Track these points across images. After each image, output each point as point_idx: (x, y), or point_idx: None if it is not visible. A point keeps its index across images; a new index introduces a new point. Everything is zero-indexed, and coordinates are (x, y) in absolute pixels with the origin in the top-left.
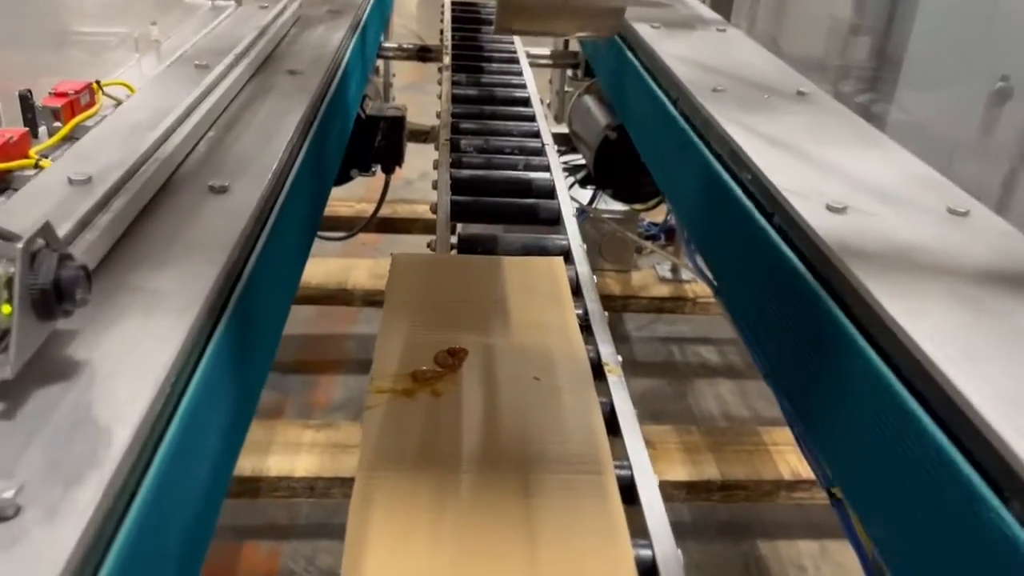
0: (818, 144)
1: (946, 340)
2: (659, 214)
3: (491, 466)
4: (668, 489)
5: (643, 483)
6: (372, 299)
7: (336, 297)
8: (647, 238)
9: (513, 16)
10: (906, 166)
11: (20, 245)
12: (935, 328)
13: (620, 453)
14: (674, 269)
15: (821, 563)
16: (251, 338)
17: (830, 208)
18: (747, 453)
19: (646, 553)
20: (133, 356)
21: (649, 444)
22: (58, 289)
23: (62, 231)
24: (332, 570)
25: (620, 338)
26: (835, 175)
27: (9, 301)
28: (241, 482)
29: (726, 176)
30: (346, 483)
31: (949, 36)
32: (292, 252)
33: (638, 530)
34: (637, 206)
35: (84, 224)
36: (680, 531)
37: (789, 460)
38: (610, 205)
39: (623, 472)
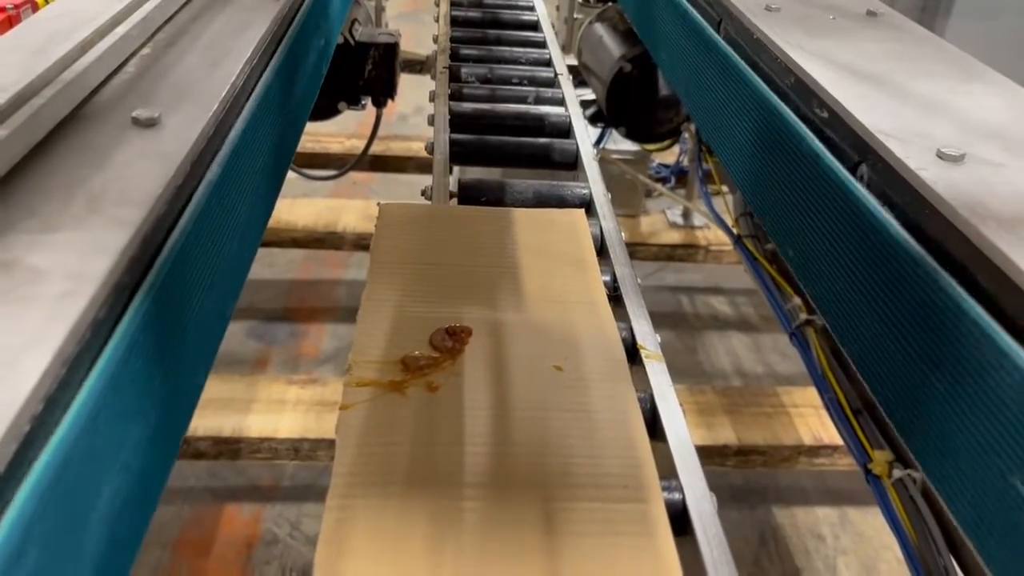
0: (908, 76)
1: None
2: (670, 155)
3: (503, 490)
4: None
5: (697, 511)
6: (364, 243)
7: (325, 240)
8: (657, 180)
9: None
10: (1021, 102)
11: None
12: None
13: (667, 469)
14: (685, 214)
15: (841, 532)
16: (181, 331)
17: (943, 156)
18: (765, 416)
19: None
20: None
21: None
22: None
23: None
24: (318, 536)
25: None
26: (940, 115)
27: None
28: (220, 442)
29: (791, 115)
30: (333, 445)
31: None
32: (249, 205)
33: (694, 573)
34: (649, 146)
35: None
36: None
37: (810, 423)
38: (619, 144)
39: (672, 496)
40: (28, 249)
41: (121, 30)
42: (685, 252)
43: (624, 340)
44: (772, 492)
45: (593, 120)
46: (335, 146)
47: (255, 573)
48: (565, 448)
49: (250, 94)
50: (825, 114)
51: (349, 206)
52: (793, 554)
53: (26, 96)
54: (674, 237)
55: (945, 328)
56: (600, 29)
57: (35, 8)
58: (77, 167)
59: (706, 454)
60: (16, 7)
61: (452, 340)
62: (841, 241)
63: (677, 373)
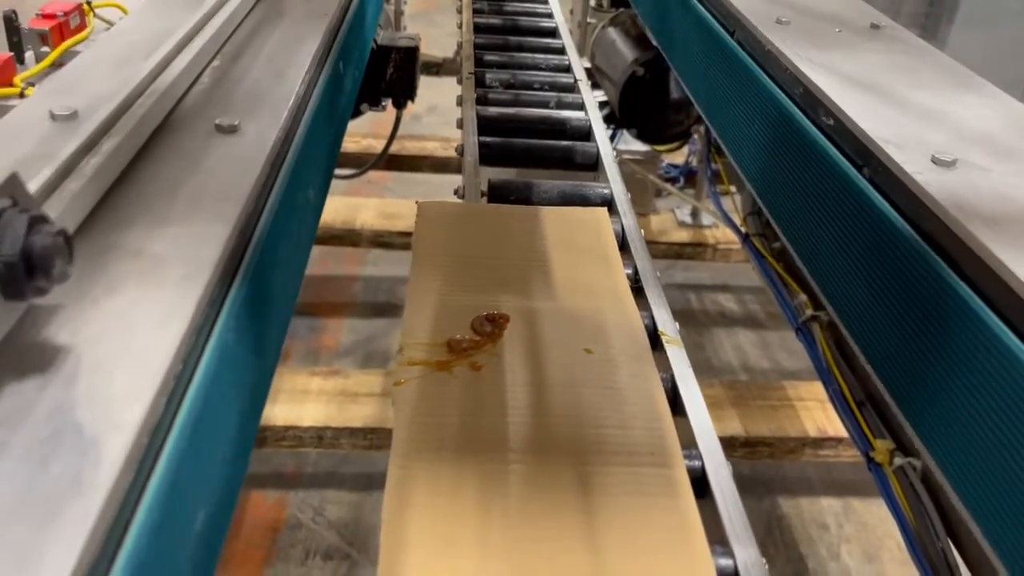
0: (907, 86)
1: None
2: (680, 156)
3: (542, 456)
4: None
5: (715, 476)
6: (380, 240)
7: (343, 237)
8: (667, 180)
9: None
10: (1013, 113)
11: None
12: None
13: (686, 439)
14: (694, 213)
15: (844, 521)
16: (268, 305)
17: (937, 162)
18: (771, 408)
19: (726, 563)
20: (130, 340)
21: None
22: (28, 261)
23: (40, 179)
24: (341, 521)
25: None
26: (935, 123)
27: None
28: None
29: (803, 120)
30: (355, 433)
31: None
32: (311, 199)
33: (715, 532)
34: (659, 147)
35: (68, 170)
36: None
37: (815, 416)
38: (630, 145)
39: (692, 463)
40: (149, 240)
41: (196, 44)
42: (694, 250)
43: (646, 327)
44: (778, 483)
45: (605, 121)
46: (351, 145)
47: (280, 556)
48: (597, 420)
49: (308, 101)
50: (831, 121)
51: (366, 204)
52: (798, 542)
53: (127, 105)
54: (683, 236)
55: (939, 312)
56: (613, 33)
57: (82, 16)
58: (175, 169)
59: None
60: (65, 14)
61: (492, 325)
62: (848, 236)
63: None
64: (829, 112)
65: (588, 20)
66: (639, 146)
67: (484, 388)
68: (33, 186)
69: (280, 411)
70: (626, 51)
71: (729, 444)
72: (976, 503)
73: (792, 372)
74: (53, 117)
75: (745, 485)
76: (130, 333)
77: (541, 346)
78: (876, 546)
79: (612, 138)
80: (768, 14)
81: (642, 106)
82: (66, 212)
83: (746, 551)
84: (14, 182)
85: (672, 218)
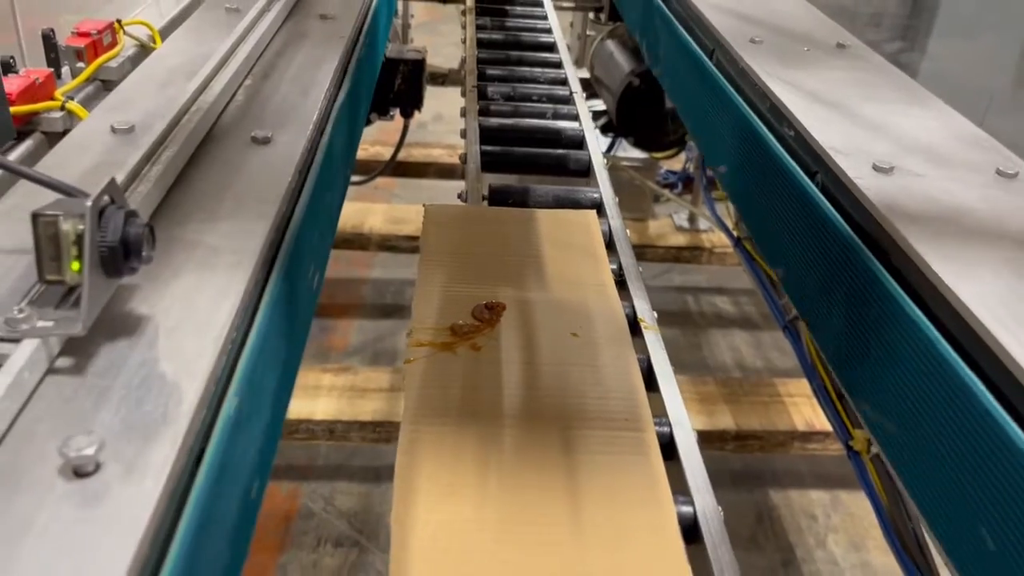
0: (862, 100)
1: (996, 304)
2: (677, 162)
3: (532, 421)
4: None
5: (682, 440)
6: (387, 244)
7: (352, 241)
8: (665, 186)
9: None
10: (953, 125)
11: (89, 203)
12: (986, 292)
13: (658, 410)
14: (691, 218)
15: (832, 512)
16: (299, 287)
17: (877, 168)
18: (762, 404)
19: (687, 510)
20: (194, 312)
21: None
22: (126, 246)
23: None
24: (351, 510)
25: None
26: (881, 133)
27: (78, 258)
28: None
29: (767, 132)
30: (364, 427)
31: None
32: (332, 201)
33: (679, 487)
34: (657, 154)
35: (135, 175)
36: None
37: (803, 411)
38: (629, 152)
39: (662, 429)
40: (203, 233)
41: (231, 66)
42: (691, 254)
43: (627, 315)
44: (769, 476)
45: (604, 130)
46: (360, 153)
47: (293, 543)
48: (579, 392)
49: (329, 114)
50: (792, 133)
51: (374, 209)
52: (787, 531)
53: (177, 120)
54: (680, 240)
55: (872, 300)
56: (611, 45)
57: (114, 34)
58: (221, 175)
59: (707, 439)
60: (99, 32)
61: (490, 312)
62: (802, 235)
63: (682, 366)
64: (790, 124)
65: (588, 32)
66: (638, 153)
67: (483, 365)
68: (100, 184)
69: (293, 405)
70: (623, 62)
71: (721, 438)
72: (907, 477)
73: (784, 370)
74: (114, 131)
75: (737, 479)
76: (194, 307)
77: (533, 330)
78: (862, 535)
79: (611, 146)
80: (744, 34)
81: (638, 115)
82: (137, 210)
83: (704, 500)
84: (112, 185)
85: (670, 222)
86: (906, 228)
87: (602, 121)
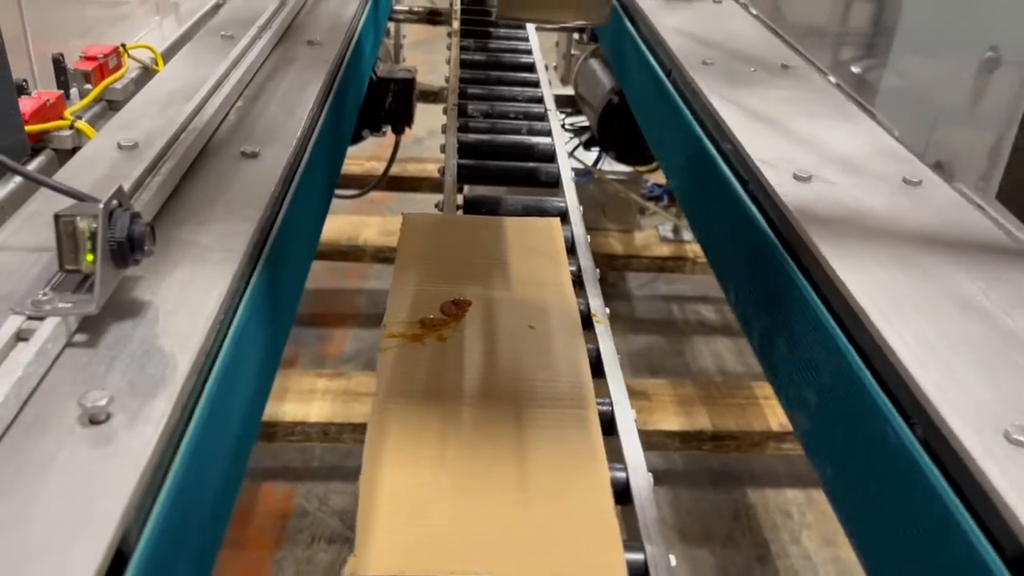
0: (794, 117)
1: (877, 292)
2: (661, 175)
3: (489, 401)
4: (662, 438)
5: (621, 418)
6: (382, 255)
7: (348, 253)
8: (650, 199)
9: (514, 6)
10: (873, 138)
11: (101, 205)
12: (871, 282)
13: (603, 392)
14: (675, 229)
15: (807, 510)
16: (281, 283)
17: (796, 177)
18: (739, 406)
19: (621, 475)
20: (187, 298)
21: (645, 396)
22: (131, 242)
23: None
24: (344, 509)
25: (622, 296)
26: (806, 146)
27: (92, 251)
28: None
29: (710, 146)
30: (357, 429)
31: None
32: (314, 209)
33: (616, 457)
34: (640, 168)
35: (138, 185)
36: (673, 479)
37: (778, 412)
38: (615, 166)
39: (605, 408)
40: (197, 234)
41: (224, 89)
42: (675, 264)
43: (581, 311)
44: (747, 476)
45: (588, 145)
46: (355, 168)
47: (289, 540)
48: (532, 376)
49: (313, 131)
50: (730, 147)
51: (369, 222)
52: (763, 528)
53: (175, 138)
54: (665, 250)
55: (784, 285)
56: (594, 64)
57: (119, 57)
58: (213, 185)
59: (684, 439)
60: (104, 56)
61: (457, 308)
62: (737, 237)
63: (665, 372)
64: (729, 140)
65: (572, 52)
66: (624, 167)
67: (447, 354)
68: (110, 191)
69: (289, 409)
70: (605, 80)
71: (698, 438)
72: (812, 453)
73: (762, 374)
74: (120, 147)
75: (716, 478)
76: (188, 294)
77: (495, 324)
78: (834, 531)
79: (597, 160)
80: (698, 56)
81: (618, 130)
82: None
83: (636, 468)
84: (120, 192)
85: (655, 234)
86: (813, 229)
87: (586, 136)
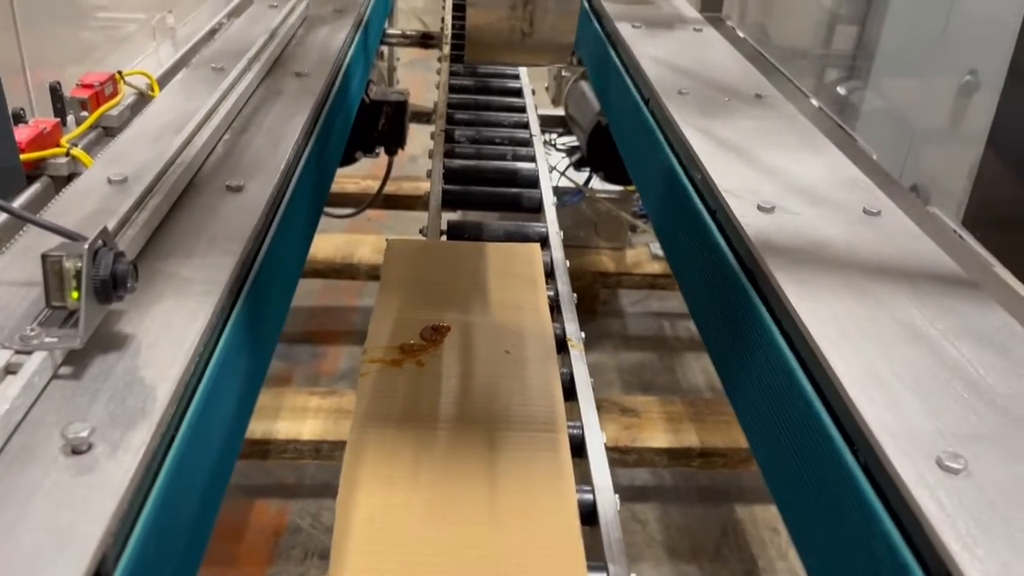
0: (763, 147)
1: (831, 323)
2: None
3: (463, 425)
4: (650, 455)
5: (591, 441)
6: (376, 274)
7: (342, 271)
8: (640, 217)
9: (481, 50)
10: (837, 169)
11: (86, 246)
12: (823, 310)
13: (575, 416)
14: None
15: None
16: (262, 314)
17: (760, 208)
18: (726, 423)
19: (588, 498)
20: (168, 330)
21: (634, 412)
22: (114, 280)
23: (109, 226)
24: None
25: (614, 313)
26: (772, 177)
27: (77, 289)
28: (251, 444)
29: (683, 175)
30: None
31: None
32: (297, 240)
33: (584, 479)
34: (630, 187)
35: (125, 221)
36: (662, 495)
37: None
38: (605, 185)
39: (575, 432)
40: (180, 267)
41: (212, 122)
42: (666, 281)
43: (557, 336)
44: (735, 492)
45: (578, 165)
46: (351, 186)
47: (281, 556)
48: (506, 400)
49: (298, 162)
50: (699, 176)
51: (364, 241)
52: (751, 543)
53: (163, 172)
54: (656, 268)
55: (745, 312)
56: (583, 86)
57: (115, 84)
58: (198, 218)
59: (672, 456)
60: (101, 84)
61: (436, 334)
62: (703, 263)
63: (656, 388)
64: (698, 169)
65: (563, 73)
66: (615, 186)
67: (425, 379)
68: (95, 231)
69: (282, 426)
70: (593, 102)
71: (686, 455)
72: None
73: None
74: (110, 182)
75: (704, 494)
76: (169, 327)
77: (472, 349)
78: None
79: (587, 180)
80: (674, 85)
81: (607, 151)
82: (127, 249)
83: (603, 490)
84: (105, 232)
85: (646, 251)
86: (772, 259)
87: (576, 157)
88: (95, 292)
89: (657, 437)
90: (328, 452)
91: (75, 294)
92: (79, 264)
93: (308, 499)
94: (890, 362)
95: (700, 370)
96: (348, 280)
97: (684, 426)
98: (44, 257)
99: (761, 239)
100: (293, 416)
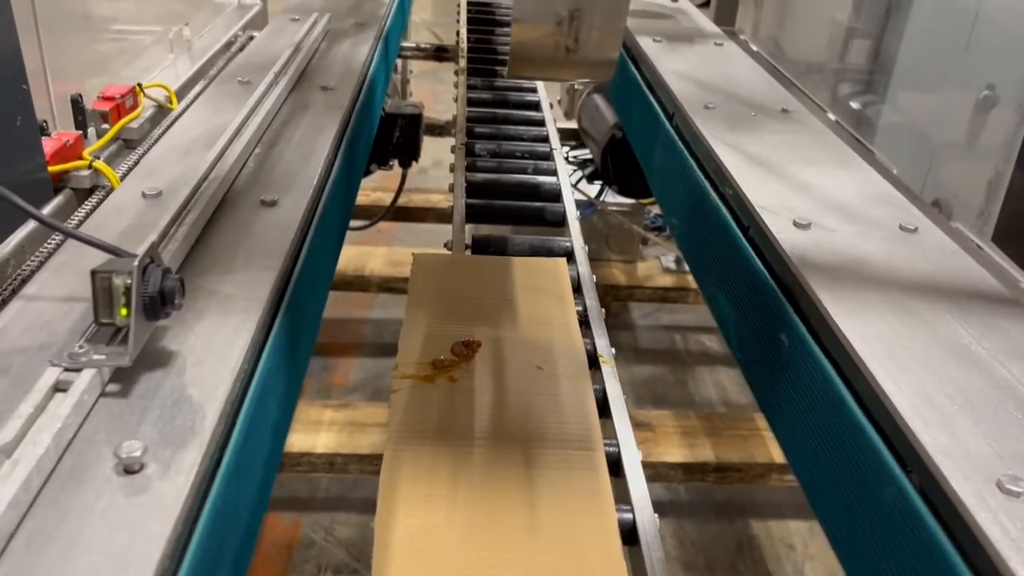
0: (794, 162)
1: (876, 342)
2: None
3: (499, 442)
4: (665, 470)
5: (628, 459)
6: (388, 285)
7: (354, 283)
8: (652, 230)
9: (524, 65)
10: (870, 185)
11: (135, 263)
12: (868, 330)
13: (609, 433)
14: (678, 260)
15: (809, 541)
16: (299, 329)
17: (797, 224)
18: (741, 438)
19: (628, 516)
20: (213, 348)
21: (648, 427)
22: (163, 296)
23: (148, 242)
24: (349, 540)
25: (625, 326)
26: (805, 193)
27: (126, 305)
28: None
29: (711, 190)
30: (363, 460)
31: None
32: (329, 254)
33: (623, 498)
34: (643, 200)
35: (164, 235)
36: (677, 510)
37: None
38: (617, 198)
39: (611, 449)
40: (220, 283)
41: (243, 137)
42: (678, 294)
43: (588, 351)
44: (750, 507)
45: (591, 178)
46: (362, 199)
47: (295, 570)
48: (541, 418)
49: (328, 176)
50: (730, 191)
51: (375, 252)
52: (766, 559)
53: (198, 187)
54: (667, 281)
55: (784, 331)
56: (597, 100)
57: (135, 97)
58: (234, 233)
59: (688, 471)
60: (121, 96)
61: (467, 349)
62: (735, 280)
63: (669, 402)
64: (729, 184)
65: (576, 87)
66: (627, 199)
67: (458, 395)
68: (143, 247)
69: (295, 439)
70: (608, 115)
71: (702, 470)
72: (811, 494)
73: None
74: (144, 196)
75: (719, 509)
76: (213, 344)
77: (503, 364)
78: (837, 564)
79: (600, 192)
80: (700, 100)
81: (621, 164)
82: (167, 264)
83: (643, 509)
84: (153, 248)
85: (658, 264)
86: (812, 276)
87: (589, 169)
88: (144, 309)
89: (672, 452)
90: (342, 465)
91: (124, 311)
92: (128, 281)
93: (321, 512)
94: (940, 383)
95: (713, 384)
96: (359, 292)
97: (699, 440)
98: (94, 273)
99: (799, 256)
100: (307, 429)
